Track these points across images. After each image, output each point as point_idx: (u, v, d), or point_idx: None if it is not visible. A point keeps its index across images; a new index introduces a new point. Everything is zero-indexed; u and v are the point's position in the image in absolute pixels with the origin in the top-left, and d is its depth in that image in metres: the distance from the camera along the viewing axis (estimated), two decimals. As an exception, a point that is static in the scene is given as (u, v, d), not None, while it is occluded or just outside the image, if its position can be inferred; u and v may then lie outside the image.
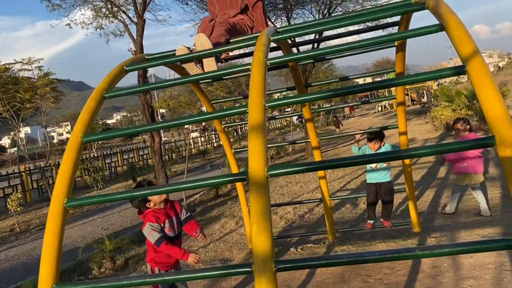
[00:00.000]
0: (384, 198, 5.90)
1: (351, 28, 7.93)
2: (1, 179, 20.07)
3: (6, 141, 78.23)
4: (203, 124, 42.76)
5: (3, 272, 8.27)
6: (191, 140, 33.75)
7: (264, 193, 2.16)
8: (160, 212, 4.07)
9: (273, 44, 4.02)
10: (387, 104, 42.92)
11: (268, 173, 2.23)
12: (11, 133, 52.79)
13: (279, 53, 4.70)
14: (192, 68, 3.56)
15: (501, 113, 2.08)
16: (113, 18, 12.37)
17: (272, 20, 17.62)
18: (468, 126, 6.77)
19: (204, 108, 25.00)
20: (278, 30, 3.52)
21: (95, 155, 27.91)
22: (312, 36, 12.59)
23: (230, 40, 3.74)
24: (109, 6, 12.38)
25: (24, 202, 16.69)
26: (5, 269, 8.52)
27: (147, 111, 11.35)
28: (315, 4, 17.77)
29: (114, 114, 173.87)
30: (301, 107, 6.37)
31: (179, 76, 4.46)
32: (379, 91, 50.29)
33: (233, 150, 6.50)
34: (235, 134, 35.64)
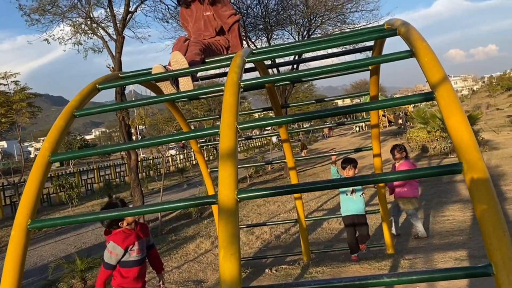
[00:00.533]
0: (362, 232, 6.04)
1: (329, 50, 8.05)
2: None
3: (-21, 156, 76.40)
4: (182, 141, 42.56)
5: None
6: (169, 158, 33.47)
7: (233, 218, 2.13)
8: (131, 233, 3.97)
9: (252, 64, 4.04)
10: (363, 125, 43.56)
11: (238, 196, 2.20)
12: (-15, 147, 51.55)
13: (257, 73, 4.72)
14: (167, 87, 3.53)
15: (468, 140, 2.11)
16: (92, 35, 12.29)
17: (253, 40, 17.79)
18: (404, 153, 6.93)
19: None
20: (253, 51, 3.53)
21: (72, 171, 27.44)
22: (292, 57, 12.72)
23: (206, 60, 3.73)
24: (88, 22, 12.31)
25: (-5, 219, 16.24)
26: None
27: (123, 129, 11.22)
28: (295, 26, 18.02)
29: (93, 130, 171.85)
30: (278, 127, 6.39)
31: (154, 94, 4.43)
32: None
33: (209, 170, 6.45)
34: (214, 151, 35.51)
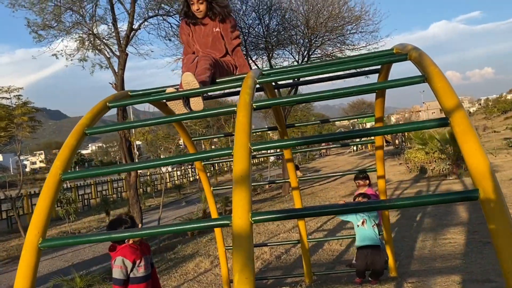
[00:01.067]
0: (375, 266, 5.80)
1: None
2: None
3: (-25, 169, 76.01)
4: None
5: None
6: (167, 174, 33.40)
7: (247, 241, 2.12)
8: (137, 248, 3.98)
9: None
10: (360, 145, 43.72)
11: (253, 219, 2.20)
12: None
13: (259, 93, 4.74)
14: (179, 108, 3.51)
15: (484, 167, 2.13)
16: (95, 51, 12.37)
17: (253, 59, 17.94)
18: (367, 181, 6.87)
19: (181, 141, 24.88)
20: (263, 72, 3.56)
21: (69, 186, 27.27)
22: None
23: (217, 80, 3.75)
24: (91, 38, 12.39)
25: (-9, 234, 16.08)
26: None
27: (124, 145, 11.21)
28: (295, 45, 18.20)
29: (90, 145, 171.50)
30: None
31: (159, 112, 4.44)
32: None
33: (212, 188, 6.41)
34: (212, 168, 35.44)
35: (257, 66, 17.55)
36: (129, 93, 3.74)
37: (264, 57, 18.39)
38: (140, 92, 3.74)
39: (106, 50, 12.23)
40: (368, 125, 48.54)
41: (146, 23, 12.83)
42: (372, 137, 6.24)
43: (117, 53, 11.68)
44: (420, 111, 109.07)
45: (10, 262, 11.56)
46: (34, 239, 2.46)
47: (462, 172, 15.77)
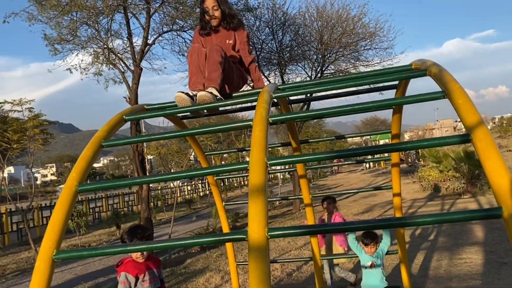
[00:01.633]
0: None
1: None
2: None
3: (-13, 180, 76.88)
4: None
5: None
6: (177, 188, 33.42)
7: (264, 256, 2.08)
8: (142, 263, 3.94)
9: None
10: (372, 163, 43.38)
11: (269, 234, 2.16)
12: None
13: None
14: (183, 102, 3.43)
15: (507, 184, 2.07)
16: (110, 65, 12.50)
17: (266, 74, 17.99)
18: (334, 205, 6.80)
19: (192, 156, 24.92)
20: (279, 87, 3.54)
21: (80, 199, 27.40)
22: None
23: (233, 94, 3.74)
24: (106, 53, 12.54)
25: (2, 245, 16.13)
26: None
27: (137, 158, 11.25)
28: (308, 61, 18.24)
29: (101, 158, 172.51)
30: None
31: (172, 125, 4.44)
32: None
33: (224, 204, 6.37)
34: (221, 184, 35.43)
35: (269, 81, 17.60)
36: (145, 106, 3.75)
37: (276, 72, 18.45)
38: (156, 106, 3.74)
39: (121, 65, 12.37)
40: (381, 142, 48.16)
41: (160, 38, 12.98)
42: (387, 154, 6.17)
43: (132, 68, 11.80)
44: (433, 128, 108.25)
45: (20, 275, 11.57)
46: (48, 251, 2.44)
47: (477, 191, 15.55)
